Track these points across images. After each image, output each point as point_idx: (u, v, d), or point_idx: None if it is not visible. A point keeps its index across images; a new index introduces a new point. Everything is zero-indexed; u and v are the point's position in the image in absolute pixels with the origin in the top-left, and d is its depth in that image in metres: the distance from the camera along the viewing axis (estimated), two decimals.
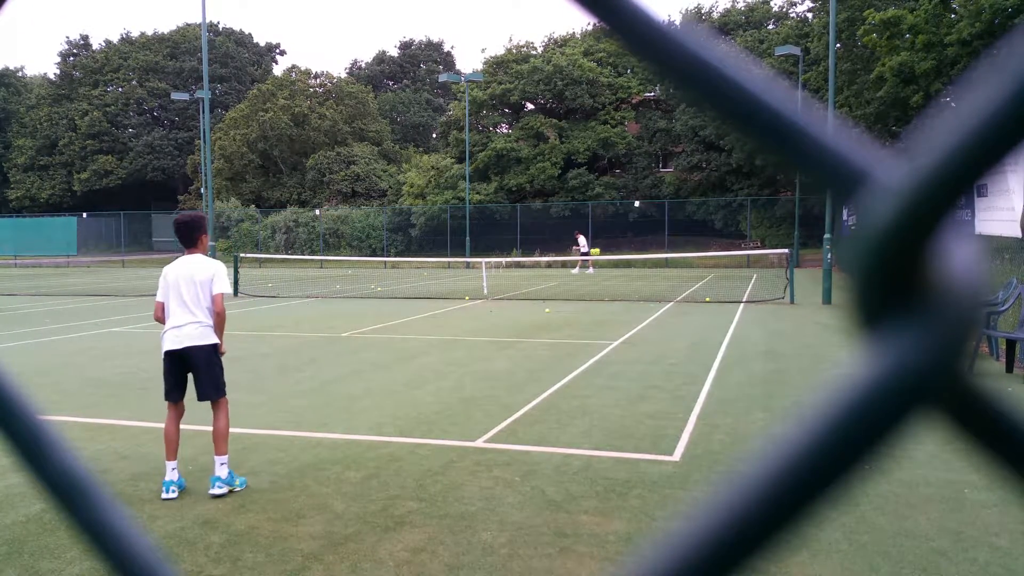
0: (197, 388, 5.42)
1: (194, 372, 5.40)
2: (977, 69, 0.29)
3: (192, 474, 5.65)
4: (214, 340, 5.40)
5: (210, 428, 5.47)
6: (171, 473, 5.29)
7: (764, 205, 39.49)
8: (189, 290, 5.34)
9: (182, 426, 5.47)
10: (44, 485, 0.51)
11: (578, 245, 32.15)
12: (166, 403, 5.45)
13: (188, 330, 5.33)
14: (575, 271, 31.27)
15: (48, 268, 41.61)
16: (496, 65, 46.11)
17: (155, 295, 5.57)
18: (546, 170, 43.25)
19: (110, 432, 6.93)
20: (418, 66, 68.57)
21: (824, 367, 9.83)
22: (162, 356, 5.43)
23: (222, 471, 5.29)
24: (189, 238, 5.44)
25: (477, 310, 17.54)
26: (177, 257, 5.59)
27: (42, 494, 0.51)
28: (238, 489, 5.36)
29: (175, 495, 5.24)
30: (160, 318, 5.42)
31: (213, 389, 5.40)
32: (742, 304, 17.85)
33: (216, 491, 5.23)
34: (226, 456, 5.35)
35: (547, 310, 16.17)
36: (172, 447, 5.32)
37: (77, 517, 0.50)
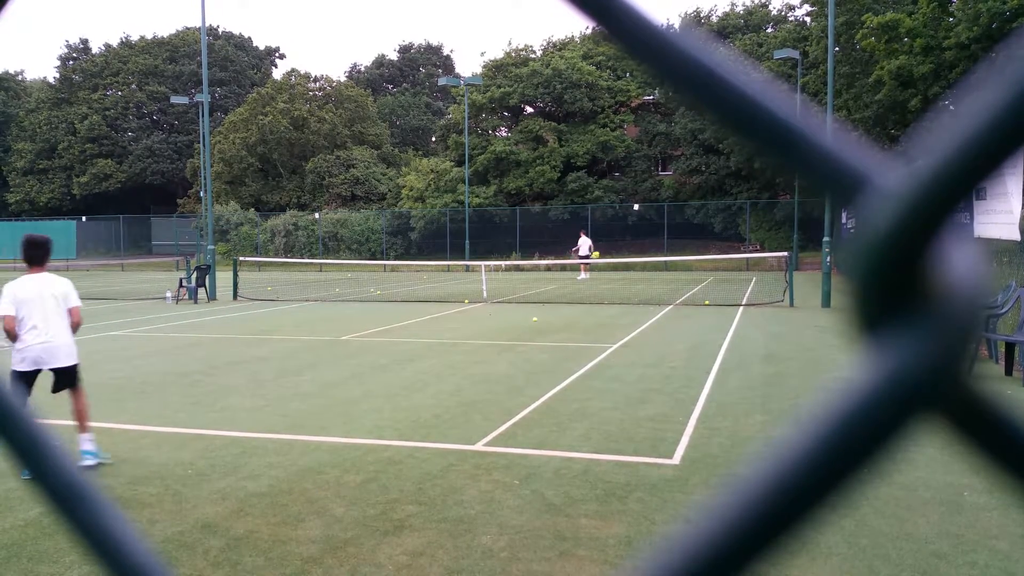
0: (62, 383, 5.97)
1: (65, 375, 5.95)
2: (976, 73, 0.29)
3: (189, 477, 5.65)
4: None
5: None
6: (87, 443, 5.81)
7: (763, 208, 39.51)
8: (53, 305, 5.76)
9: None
10: (42, 489, 0.51)
11: (577, 247, 31.69)
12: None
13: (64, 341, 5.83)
14: (580, 277, 30.42)
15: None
16: (495, 68, 46.14)
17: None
18: (545, 173, 43.27)
19: (108, 435, 6.91)
20: (417, 70, 68.61)
21: (823, 370, 9.83)
22: (25, 370, 5.72)
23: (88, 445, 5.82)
24: (43, 258, 5.85)
25: (476, 313, 17.53)
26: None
27: (40, 498, 0.51)
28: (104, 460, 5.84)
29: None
30: (12, 332, 5.67)
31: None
32: (741, 307, 17.86)
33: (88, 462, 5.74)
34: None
35: (534, 319, 15.98)
36: None
37: (75, 521, 0.50)
